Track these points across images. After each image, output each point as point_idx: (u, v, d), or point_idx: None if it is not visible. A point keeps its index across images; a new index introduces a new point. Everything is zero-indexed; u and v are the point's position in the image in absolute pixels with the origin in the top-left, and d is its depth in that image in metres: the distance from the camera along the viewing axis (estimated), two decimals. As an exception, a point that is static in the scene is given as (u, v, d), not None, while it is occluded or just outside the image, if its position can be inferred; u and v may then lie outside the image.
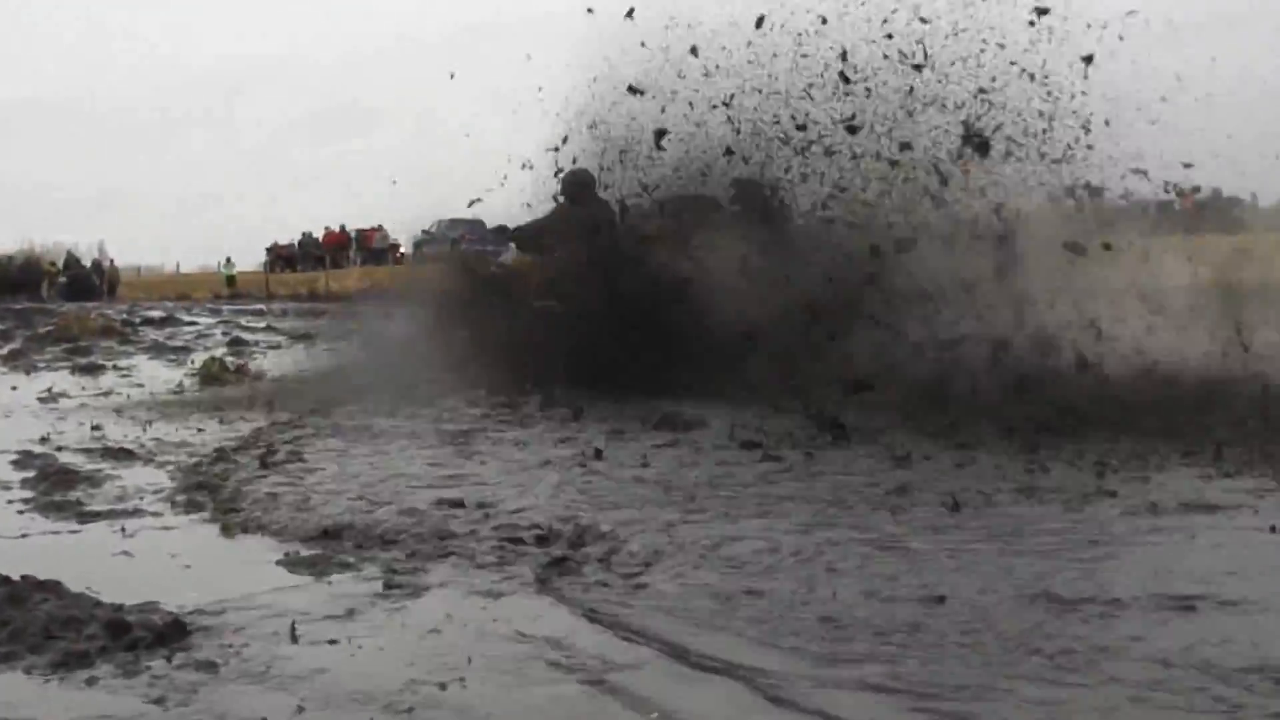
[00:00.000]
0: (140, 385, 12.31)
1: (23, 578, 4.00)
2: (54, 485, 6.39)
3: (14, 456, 7.32)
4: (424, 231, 35.87)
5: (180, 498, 6.00)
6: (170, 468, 6.92)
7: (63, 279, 49.17)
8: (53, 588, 3.98)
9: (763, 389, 8.93)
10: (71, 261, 52.48)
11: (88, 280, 49.00)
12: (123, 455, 7.41)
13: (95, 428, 8.64)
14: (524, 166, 11.63)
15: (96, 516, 5.63)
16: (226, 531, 5.28)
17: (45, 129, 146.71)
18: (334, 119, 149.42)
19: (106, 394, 11.47)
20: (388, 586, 4.20)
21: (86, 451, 7.58)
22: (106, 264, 54.71)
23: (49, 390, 11.50)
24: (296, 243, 55.01)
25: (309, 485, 6.12)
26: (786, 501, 5.44)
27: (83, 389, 11.96)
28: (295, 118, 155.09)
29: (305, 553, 4.71)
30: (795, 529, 4.84)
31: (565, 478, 6.19)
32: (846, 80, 10.23)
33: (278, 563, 4.63)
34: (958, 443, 6.87)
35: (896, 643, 3.51)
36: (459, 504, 5.44)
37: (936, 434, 7.17)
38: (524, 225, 12.85)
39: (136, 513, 5.67)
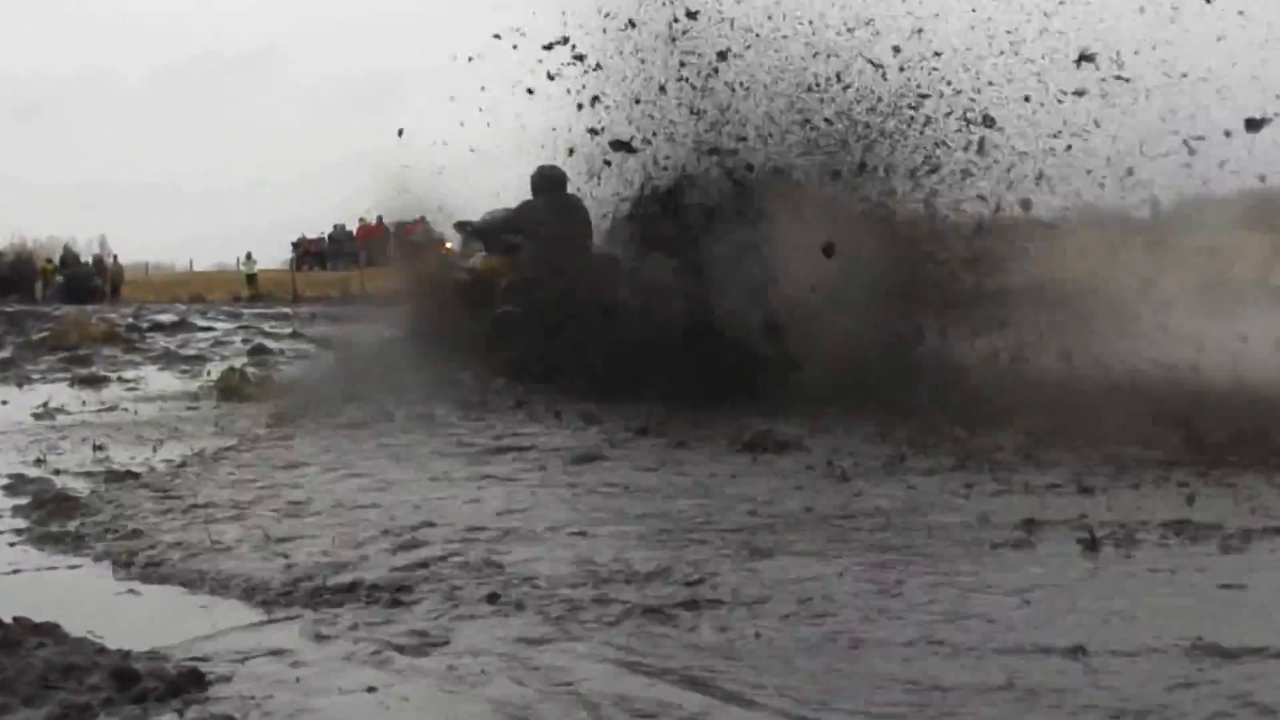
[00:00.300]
0: (149, 400, 12.45)
1: (15, 619, 4.03)
2: (50, 514, 6.45)
3: (5, 481, 7.42)
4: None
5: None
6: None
7: (59, 278, 49.59)
8: (50, 631, 4.01)
9: (865, 405, 8.96)
10: (69, 258, 52.84)
11: (88, 279, 49.40)
12: (129, 480, 7.49)
13: (98, 448, 8.75)
14: (514, 45, 11.82)
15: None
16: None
17: (38, 110, 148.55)
18: (366, 94, 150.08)
19: (110, 409, 11.60)
20: (418, 633, 4.20)
21: (88, 475, 7.67)
22: (109, 261, 55.13)
23: (44, 405, 11.64)
24: (327, 237, 55.29)
25: (282, 521, 6.16)
26: (885, 535, 5.43)
27: (83, 404, 12.10)
28: (323, 94, 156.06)
29: (327, 595, 4.74)
30: (895, 570, 4.81)
31: (617, 506, 6.21)
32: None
33: (301, 605, 4.66)
34: (1093, 470, 6.82)
35: (1016, 709, 3.45)
36: (487, 539, 5.47)
37: (1068, 460, 7.12)
38: (484, 220, 13.15)
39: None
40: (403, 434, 8.97)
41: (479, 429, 9.13)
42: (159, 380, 14.96)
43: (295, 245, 56.14)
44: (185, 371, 16.18)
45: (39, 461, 8.24)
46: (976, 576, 4.68)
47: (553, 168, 12.58)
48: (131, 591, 4.99)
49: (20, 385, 14.35)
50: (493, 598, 4.55)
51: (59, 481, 7.44)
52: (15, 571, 5.37)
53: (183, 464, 8.05)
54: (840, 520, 5.75)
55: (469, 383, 11.08)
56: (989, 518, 5.69)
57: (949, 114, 10.68)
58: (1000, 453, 7.44)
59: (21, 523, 6.30)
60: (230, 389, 12.93)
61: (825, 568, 4.85)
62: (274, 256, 57.18)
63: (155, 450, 8.66)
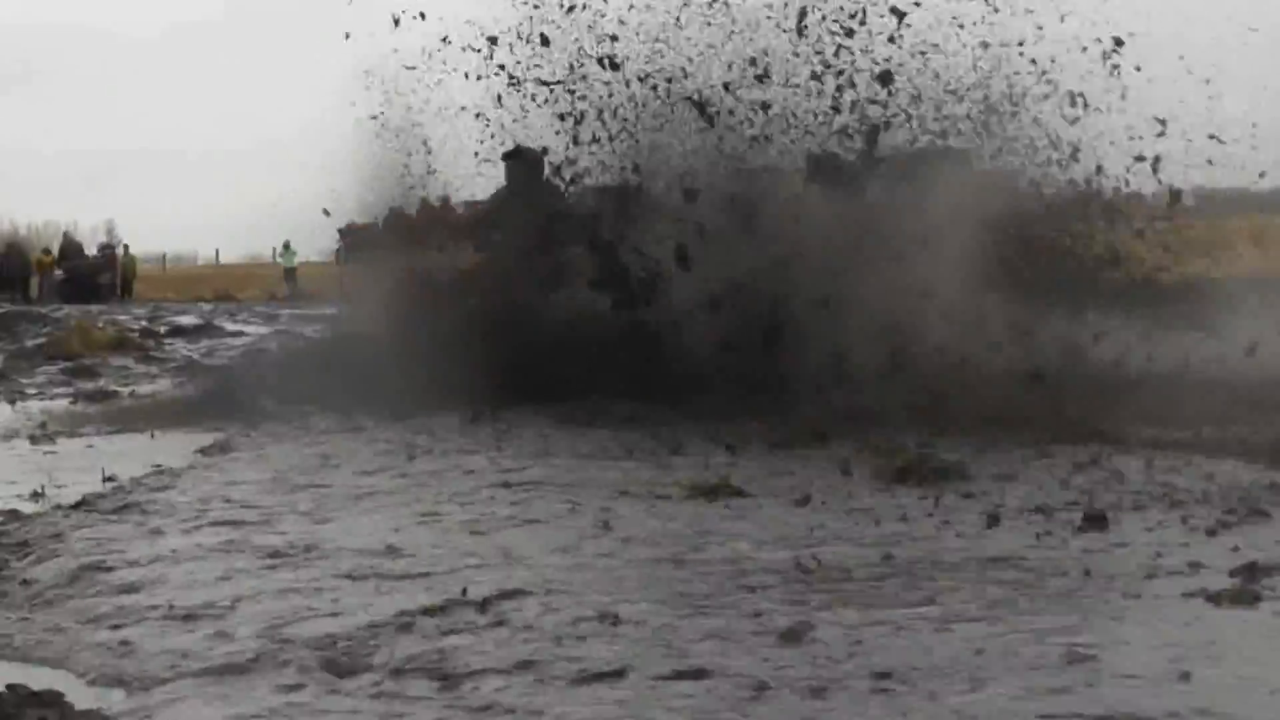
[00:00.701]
0: (169, 419, 12.51)
1: (9, 688, 4.05)
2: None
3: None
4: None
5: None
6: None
7: (58, 272, 50.10)
8: (53, 701, 4.02)
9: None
10: (70, 248, 53.32)
11: (93, 274, 49.89)
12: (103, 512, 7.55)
13: (108, 479, 8.79)
14: None
15: (108, 601, 5.72)
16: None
17: (29, 67, 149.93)
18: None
19: (120, 431, 11.67)
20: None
21: (97, 512, 7.71)
22: (118, 251, 55.59)
23: (42, 427, 11.73)
24: (380, 222, 55.51)
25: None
26: (1068, 581, 5.36)
27: (89, 424, 12.18)
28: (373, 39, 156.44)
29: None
30: (1087, 631, 4.74)
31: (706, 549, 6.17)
32: None
33: (324, 667, 4.64)
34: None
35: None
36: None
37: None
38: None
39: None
40: (393, 453, 9.03)
41: (501, 458, 9.10)
42: (180, 396, 15.04)
43: (343, 232, 56.39)
44: (212, 385, 16.26)
45: (37, 495, 8.29)
46: (1191, 638, 4.61)
47: (527, 149, 12.87)
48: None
49: (13, 402, 14.47)
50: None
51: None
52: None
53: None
54: (1013, 567, 5.70)
55: (471, 398, 11.25)
56: (1201, 563, 5.61)
57: None
58: (1208, 480, 7.38)
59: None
60: (265, 405, 13.00)
61: (992, 629, 4.80)
62: (318, 246, 57.56)
63: (177, 481, 8.71)
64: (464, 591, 5.22)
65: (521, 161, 13.03)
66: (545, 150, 12.79)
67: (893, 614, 4.91)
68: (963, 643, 4.56)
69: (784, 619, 4.80)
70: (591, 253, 12.20)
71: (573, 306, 12.18)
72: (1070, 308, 10.67)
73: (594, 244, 12.18)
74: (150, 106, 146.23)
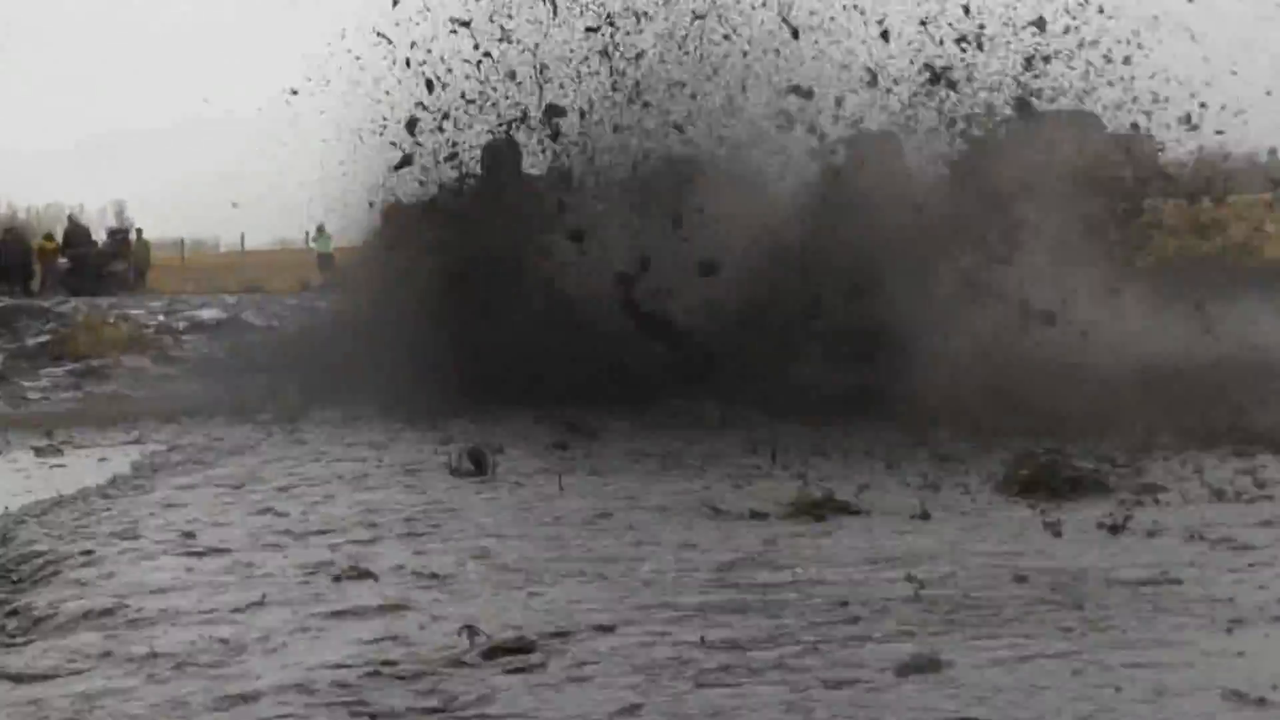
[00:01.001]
0: (188, 426, 12.55)
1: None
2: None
3: (-2, 542, 7.51)
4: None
5: None
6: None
7: (63, 261, 50.22)
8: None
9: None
10: (75, 234, 53.33)
11: (102, 263, 50.00)
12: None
13: (114, 494, 8.80)
14: None
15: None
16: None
17: (31, 38, 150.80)
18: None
19: (137, 441, 11.70)
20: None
21: (100, 534, 7.73)
22: (131, 237, 55.62)
23: (47, 437, 11.77)
24: (429, 200, 55.37)
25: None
26: (1212, 605, 5.32)
27: (101, 433, 12.22)
28: None
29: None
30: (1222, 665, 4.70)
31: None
32: None
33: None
34: None
35: None
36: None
37: None
38: None
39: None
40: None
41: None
42: (201, 399, 15.07)
43: (384, 214, 56.23)
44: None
45: (41, 514, 8.29)
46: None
47: (505, 141, 13.04)
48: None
49: (14, 408, 14.49)
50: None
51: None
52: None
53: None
54: (1163, 592, 5.63)
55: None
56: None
57: None
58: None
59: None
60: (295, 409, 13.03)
61: (1139, 664, 4.71)
62: (356, 230, 57.62)
63: (189, 498, 8.72)
64: (468, 630, 5.18)
65: (498, 154, 13.31)
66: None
67: (1025, 646, 4.86)
68: (1103, 679, 4.50)
69: (898, 654, 4.76)
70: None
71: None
72: (1214, 291, 10.63)
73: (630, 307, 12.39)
74: (162, 75, 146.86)
